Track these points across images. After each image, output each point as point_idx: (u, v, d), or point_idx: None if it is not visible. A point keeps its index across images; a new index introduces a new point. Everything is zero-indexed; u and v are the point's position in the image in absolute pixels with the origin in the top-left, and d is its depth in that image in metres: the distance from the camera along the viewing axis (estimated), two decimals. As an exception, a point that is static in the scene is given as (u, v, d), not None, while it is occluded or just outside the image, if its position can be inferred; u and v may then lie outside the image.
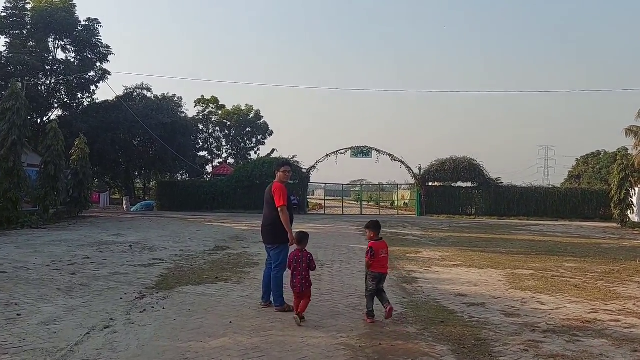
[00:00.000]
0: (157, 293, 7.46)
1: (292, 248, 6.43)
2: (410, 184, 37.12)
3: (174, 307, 6.60)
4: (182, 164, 42.46)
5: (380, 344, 5.24)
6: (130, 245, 12.90)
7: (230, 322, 5.90)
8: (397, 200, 40.79)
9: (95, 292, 7.41)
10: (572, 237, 19.28)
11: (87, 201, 23.56)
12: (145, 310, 6.43)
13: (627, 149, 49.88)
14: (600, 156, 54.96)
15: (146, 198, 40.74)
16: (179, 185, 32.90)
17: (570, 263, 11.97)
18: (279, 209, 6.43)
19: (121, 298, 7.08)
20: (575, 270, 10.73)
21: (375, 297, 6.13)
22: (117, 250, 12.19)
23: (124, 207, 32.53)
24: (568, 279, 9.55)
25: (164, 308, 6.54)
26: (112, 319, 5.99)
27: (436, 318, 6.31)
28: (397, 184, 39.75)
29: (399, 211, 36.67)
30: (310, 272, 6.12)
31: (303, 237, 6.31)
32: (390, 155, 32.14)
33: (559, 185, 41.79)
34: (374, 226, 6.26)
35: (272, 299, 6.64)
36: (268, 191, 6.67)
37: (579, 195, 31.42)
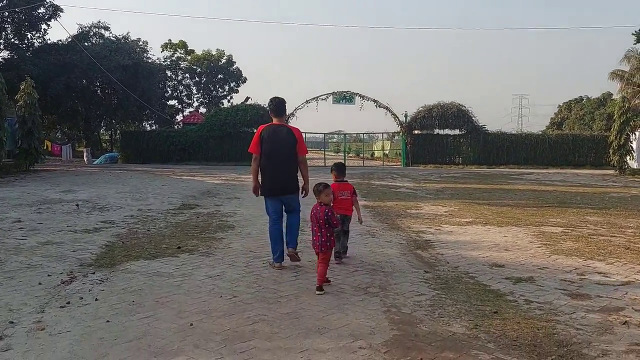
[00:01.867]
0: (94, 273, 5.47)
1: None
2: (390, 134, 35.41)
3: (113, 297, 4.64)
4: (149, 112, 39.63)
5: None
6: (77, 204, 10.75)
7: (191, 324, 3.98)
8: (382, 150, 38.91)
9: (7, 274, 5.38)
10: (574, 186, 17.82)
11: (39, 153, 20.96)
12: (69, 303, 4.46)
13: (611, 94, 48.85)
14: (583, 102, 53.81)
15: (112, 150, 38.01)
16: (145, 136, 30.17)
17: (593, 216, 10.40)
18: (303, 158, 5.89)
19: (40, 283, 5.07)
20: (606, 226, 9.13)
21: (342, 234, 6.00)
22: (60, 210, 10.06)
23: (85, 159, 29.91)
24: (609, 238, 7.91)
25: (96, 299, 4.58)
26: (12, 321, 4.02)
27: (483, 306, 4.51)
28: (379, 133, 37.78)
29: (384, 162, 34.86)
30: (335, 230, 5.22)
31: (323, 189, 5.23)
32: (374, 101, 29.96)
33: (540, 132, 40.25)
34: (336, 168, 6.29)
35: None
36: (286, 134, 5.80)
37: (569, 142, 30.02)
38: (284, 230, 5.76)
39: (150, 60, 39.02)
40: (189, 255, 6.37)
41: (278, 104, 5.93)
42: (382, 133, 35.96)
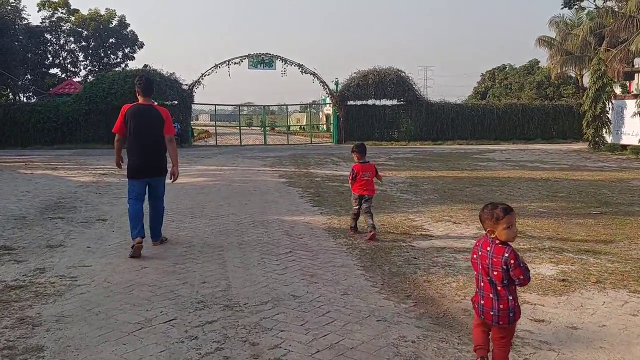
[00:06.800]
0: None
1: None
2: (304, 105, 30.81)
3: None
4: (24, 82, 31.92)
5: None
6: None
7: None
8: (310, 124, 33.77)
9: None
10: (568, 170, 14.00)
11: None
12: None
13: (538, 61, 47.19)
14: (507, 70, 52.01)
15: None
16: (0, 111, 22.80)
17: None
18: (170, 137, 5.73)
19: None
20: None
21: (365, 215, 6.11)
22: None
23: None
24: None
25: None
26: None
27: None
28: (297, 105, 32.68)
29: (312, 139, 29.74)
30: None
31: (503, 216, 2.62)
32: (299, 65, 24.68)
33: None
34: (357, 148, 6.44)
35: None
36: (152, 113, 5.64)
37: (519, 112, 26.84)
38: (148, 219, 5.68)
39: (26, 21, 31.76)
40: None
41: (146, 83, 5.75)
42: (294, 104, 30.93)
